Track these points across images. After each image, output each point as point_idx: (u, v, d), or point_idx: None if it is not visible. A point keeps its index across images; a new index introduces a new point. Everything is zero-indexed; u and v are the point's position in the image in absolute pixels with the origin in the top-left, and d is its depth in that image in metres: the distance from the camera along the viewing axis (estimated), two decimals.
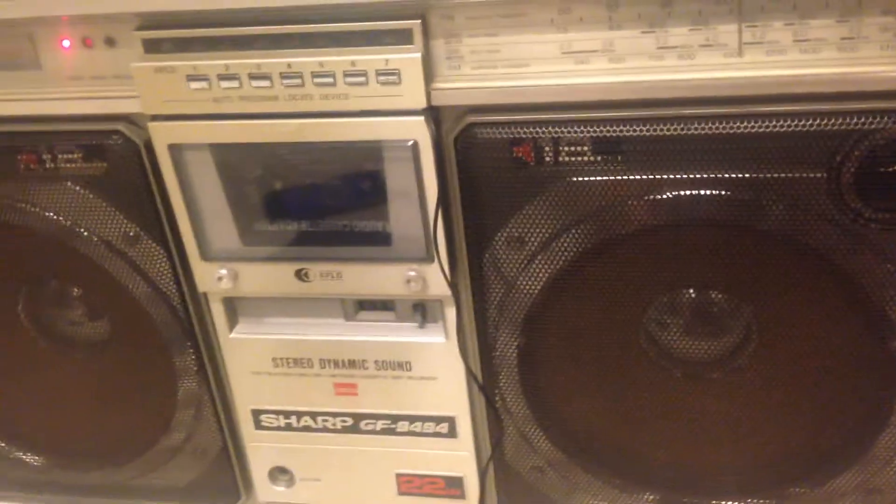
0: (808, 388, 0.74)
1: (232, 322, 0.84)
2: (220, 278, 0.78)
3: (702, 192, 0.67)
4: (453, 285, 0.75)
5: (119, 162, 0.75)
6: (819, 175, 0.64)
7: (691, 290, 0.74)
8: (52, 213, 0.78)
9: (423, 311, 0.80)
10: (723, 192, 0.66)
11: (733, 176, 0.66)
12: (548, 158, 0.68)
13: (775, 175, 0.65)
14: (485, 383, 0.79)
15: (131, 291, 0.81)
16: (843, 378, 0.73)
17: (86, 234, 0.79)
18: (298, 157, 0.73)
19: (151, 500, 0.95)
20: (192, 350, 0.84)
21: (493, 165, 0.69)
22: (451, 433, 0.84)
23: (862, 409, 0.74)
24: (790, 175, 0.64)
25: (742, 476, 0.79)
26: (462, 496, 0.87)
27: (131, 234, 0.78)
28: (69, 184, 0.77)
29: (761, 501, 0.79)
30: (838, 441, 0.75)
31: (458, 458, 0.85)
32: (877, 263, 0.66)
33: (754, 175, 0.65)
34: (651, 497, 0.81)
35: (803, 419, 0.75)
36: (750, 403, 0.76)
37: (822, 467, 0.77)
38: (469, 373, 0.79)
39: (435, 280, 0.75)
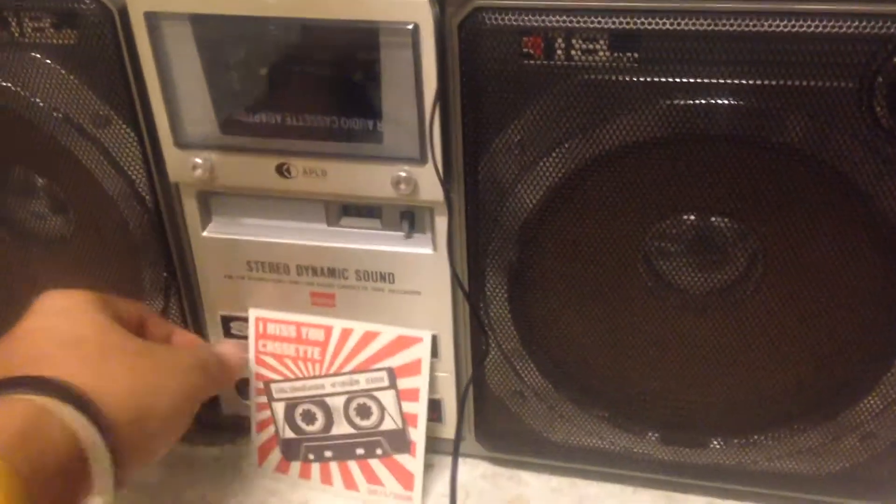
0: (811, 323, 0.70)
1: (205, 220, 0.79)
2: (194, 167, 0.73)
3: (721, 101, 0.62)
4: (447, 189, 0.70)
5: (91, 31, 0.69)
6: (849, 85, 0.59)
7: (695, 215, 0.69)
8: (16, 87, 0.72)
9: (410, 220, 0.75)
10: (743, 102, 0.61)
11: (757, 83, 0.60)
12: (559, 53, 0.63)
13: (802, 83, 0.60)
14: (471, 295, 0.74)
15: (99, 179, 0.76)
16: (850, 314, 0.69)
17: (52, 112, 0.73)
18: (286, 38, 0.67)
19: None
20: (160, 248, 0.79)
21: (498, 58, 0.64)
22: (432, 353, 0.79)
23: (866, 349, 0.70)
24: (818, 84, 0.59)
25: (735, 414, 0.75)
26: (438, 419, 0.83)
27: (102, 114, 0.73)
28: (36, 54, 0.71)
29: (754, 439, 0.75)
30: (839, 382, 0.72)
31: (437, 379, 0.81)
32: None
33: (779, 82, 0.60)
34: (646, 433, 0.77)
35: (805, 356, 0.72)
36: (750, 336, 0.72)
37: (819, 408, 0.73)
38: (455, 280, 0.74)
39: (427, 184, 0.70)
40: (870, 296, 0.68)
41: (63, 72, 0.71)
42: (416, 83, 0.66)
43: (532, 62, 0.64)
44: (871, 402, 0.71)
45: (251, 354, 0.82)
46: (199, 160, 0.73)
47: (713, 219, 0.69)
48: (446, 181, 0.70)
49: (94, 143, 0.74)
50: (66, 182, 0.78)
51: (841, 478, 0.75)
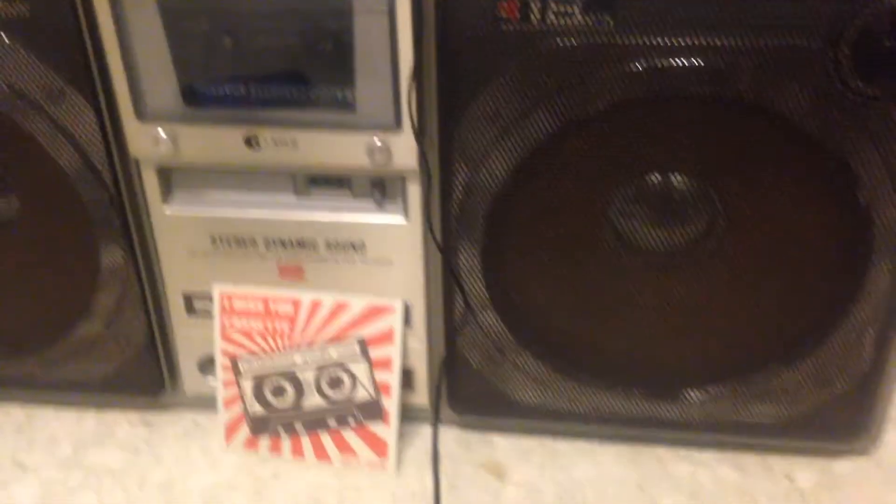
0: (772, 276, 0.73)
1: (166, 195, 0.76)
2: (157, 141, 0.70)
3: (694, 62, 0.63)
4: (422, 155, 0.70)
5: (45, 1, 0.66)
6: (816, 45, 0.61)
7: (660, 176, 0.70)
8: None
9: (381, 189, 0.75)
10: (716, 62, 0.63)
11: (727, 43, 0.62)
12: (534, 17, 0.63)
13: (770, 42, 0.62)
14: (446, 256, 0.74)
15: (52, 157, 0.72)
16: (808, 266, 0.72)
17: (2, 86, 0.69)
18: (254, 4, 0.65)
19: (61, 393, 0.87)
20: (118, 226, 0.76)
21: (474, 21, 0.64)
22: (404, 321, 0.79)
23: (825, 297, 0.73)
24: (786, 42, 0.62)
25: (704, 365, 0.78)
26: (409, 387, 0.83)
27: (56, 88, 0.69)
28: None
29: (721, 389, 0.78)
30: (800, 330, 0.75)
31: (408, 347, 0.81)
32: (870, 147, 0.64)
33: (750, 42, 0.62)
34: (621, 390, 0.79)
35: (766, 307, 0.74)
36: (714, 291, 0.74)
37: (782, 355, 0.76)
38: (434, 242, 0.74)
39: (402, 151, 0.70)
40: (827, 248, 0.71)
41: (12, 43, 0.68)
42: (391, 49, 0.65)
43: (507, 26, 0.64)
44: (831, 348, 0.74)
45: (216, 332, 0.80)
46: (162, 133, 0.70)
47: (677, 179, 0.70)
48: (420, 150, 0.70)
49: (48, 118, 0.70)
50: (15, 160, 0.74)
51: (799, 422, 0.79)
